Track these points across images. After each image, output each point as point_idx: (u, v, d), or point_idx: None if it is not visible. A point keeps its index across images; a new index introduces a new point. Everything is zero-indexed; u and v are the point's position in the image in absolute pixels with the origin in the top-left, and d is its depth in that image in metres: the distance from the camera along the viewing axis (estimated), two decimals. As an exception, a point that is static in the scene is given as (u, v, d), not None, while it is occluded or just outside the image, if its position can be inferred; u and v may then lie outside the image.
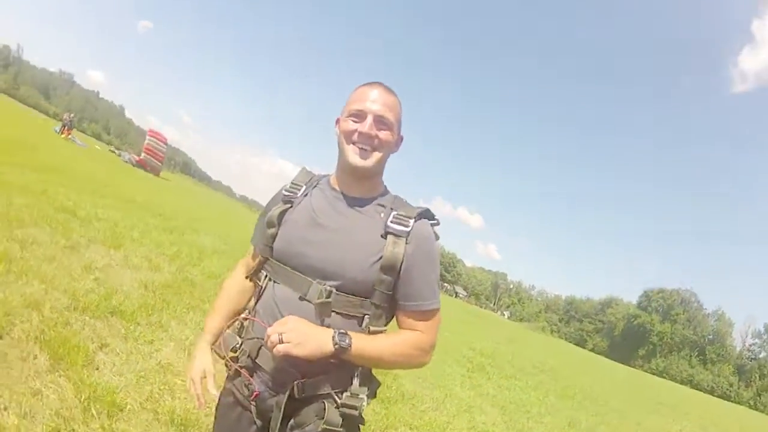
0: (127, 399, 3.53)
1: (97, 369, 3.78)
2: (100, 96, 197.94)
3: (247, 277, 1.98)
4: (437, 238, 1.88)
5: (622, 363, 66.91)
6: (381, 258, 1.71)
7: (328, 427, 1.68)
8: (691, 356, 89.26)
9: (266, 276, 1.87)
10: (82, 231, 7.39)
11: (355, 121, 1.80)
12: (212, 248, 11.53)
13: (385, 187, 1.96)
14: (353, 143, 1.80)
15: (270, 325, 1.66)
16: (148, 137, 41.08)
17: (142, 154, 39.16)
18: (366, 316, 1.74)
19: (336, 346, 1.61)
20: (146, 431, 3.33)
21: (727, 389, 78.39)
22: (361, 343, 1.66)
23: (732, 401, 61.94)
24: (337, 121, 1.91)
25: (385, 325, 1.80)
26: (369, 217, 1.81)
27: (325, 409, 1.70)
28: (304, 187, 1.95)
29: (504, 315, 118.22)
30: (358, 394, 1.73)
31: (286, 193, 1.94)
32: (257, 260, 1.93)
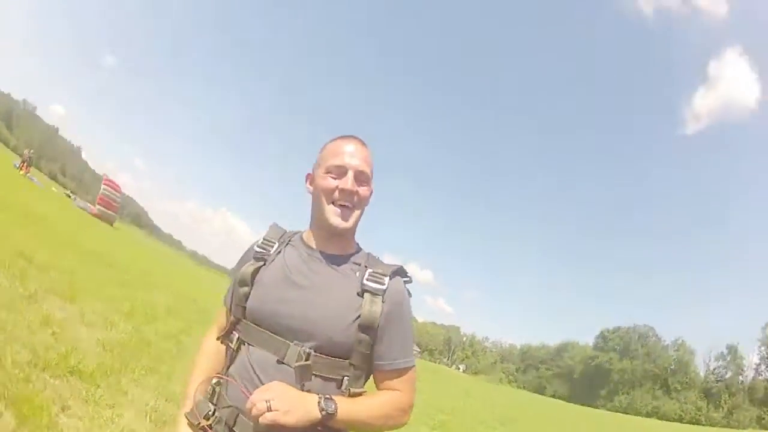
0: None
1: (60, 433, 3.65)
2: (60, 133, 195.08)
3: (218, 338, 1.87)
4: (410, 295, 1.83)
5: (585, 405, 66.19)
6: (359, 317, 1.65)
7: None
8: (653, 389, 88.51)
9: (238, 338, 1.76)
10: (40, 280, 7.22)
11: (334, 178, 1.74)
12: (165, 306, 11.35)
13: (358, 244, 1.91)
14: (333, 202, 1.74)
15: (250, 392, 1.57)
16: (103, 187, 40.50)
17: (97, 207, 38.64)
18: (345, 378, 1.66)
19: (323, 413, 1.52)
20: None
21: (695, 414, 77.74)
22: (346, 407, 1.58)
23: (703, 424, 61.84)
24: (308, 177, 1.87)
25: (363, 386, 1.72)
26: (344, 275, 1.75)
27: None
28: (277, 244, 1.87)
29: (459, 369, 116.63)
30: None
31: (258, 250, 1.85)
32: (229, 321, 1.83)
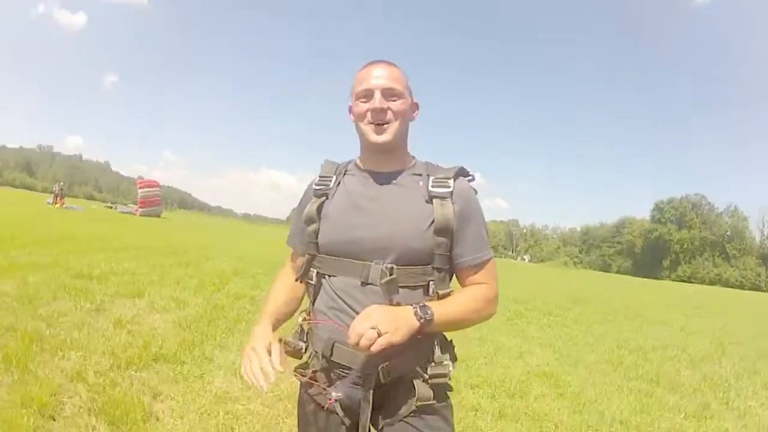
0: (196, 441, 3.40)
1: (158, 419, 3.64)
2: (84, 158, 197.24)
3: (296, 280, 1.87)
4: (476, 192, 1.82)
5: (650, 278, 66.51)
6: (433, 222, 1.66)
7: (422, 403, 1.64)
8: (713, 256, 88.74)
9: (317, 273, 1.78)
10: (103, 290, 7.25)
11: (365, 102, 1.74)
12: (231, 271, 11.44)
13: (413, 156, 1.89)
14: (369, 123, 1.73)
15: (342, 323, 1.61)
16: (139, 189, 41.22)
17: (139, 210, 39.24)
18: (431, 282, 1.67)
19: (422, 321, 1.53)
20: (222, 466, 3.20)
21: (755, 280, 78.11)
22: (441, 310, 1.59)
23: (763, 291, 61.25)
24: (350, 109, 1.83)
25: (449, 287, 1.73)
26: (408, 187, 1.76)
27: (414, 386, 1.65)
28: (334, 177, 1.87)
29: (524, 259, 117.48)
30: (442, 362, 1.69)
31: (317, 187, 1.87)
32: (303, 260, 1.84)
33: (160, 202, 43.32)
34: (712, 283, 73.81)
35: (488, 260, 1.77)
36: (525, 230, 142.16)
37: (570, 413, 4.93)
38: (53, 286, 6.85)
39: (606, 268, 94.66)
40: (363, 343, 1.43)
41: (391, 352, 1.53)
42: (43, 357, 4.35)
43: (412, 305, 1.56)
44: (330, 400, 1.64)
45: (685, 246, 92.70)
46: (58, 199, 34.95)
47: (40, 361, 4.25)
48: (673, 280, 73.35)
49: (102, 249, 11.57)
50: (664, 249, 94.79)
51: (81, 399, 3.69)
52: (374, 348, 1.43)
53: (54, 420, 3.37)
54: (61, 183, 39.50)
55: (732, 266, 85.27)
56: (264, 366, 1.55)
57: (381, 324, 1.45)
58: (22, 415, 3.25)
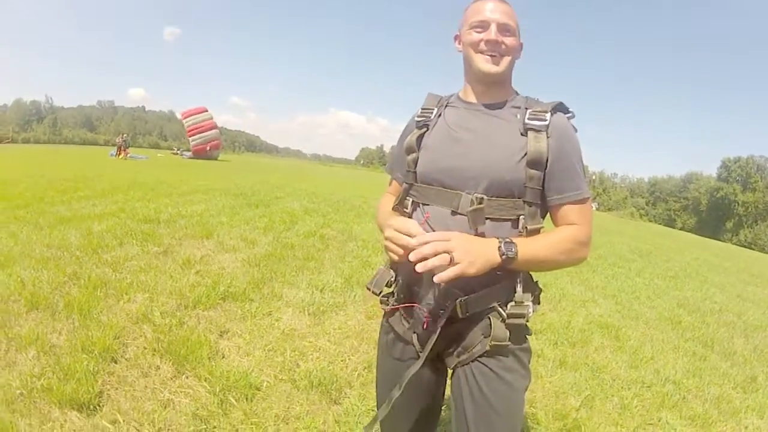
0: (261, 377, 3.44)
1: (224, 357, 3.68)
2: (147, 109, 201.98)
3: (393, 208, 1.95)
4: (576, 130, 1.79)
5: (712, 238, 63.87)
6: (526, 154, 1.67)
7: (496, 343, 1.65)
8: None
9: (413, 202, 1.86)
10: (170, 233, 7.35)
11: (479, 32, 1.77)
12: (302, 209, 11.46)
13: (515, 90, 1.89)
14: (481, 52, 1.77)
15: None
16: (183, 121, 41.44)
17: (191, 142, 39.60)
18: (521, 217, 1.69)
19: (503, 257, 1.55)
20: (288, 402, 3.22)
21: None
22: (527, 248, 1.60)
23: None
24: (456, 38, 1.89)
25: (541, 222, 1.72)
26: (505, 119, 1.77)
27: (491, 325, 1.67)
28: (436, 108, 1.92)
29: (593, 207, 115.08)
30: (522, 302, 1.69)
31: (419, 119, 1.93)
32: (401, 189, 1.93)
33: (213, 126, 42.78)
34: None
35: (583, 199, 1.75)
36: (594, 177, 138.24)
37: (627, 368, 4.95)
38: (119, 232, 6.97)
39: (671, 223, 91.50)
40: (432, 263, 1.47)
41: (465, 283, 1.59)
42: (107, 302, 4.43)
43: (498, 239, 1.58)
44: (425, 320, 1.71)
45: (749, 209, 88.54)
46: (122, 150, 35.67)
47: (104, 306, 4.33)
48: (734, 244, 69.51)
49: (168, 194, 11.78)
50: (728, 210, 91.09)
51: (146, 340, 3.76)
52: (443, 275, 1.47)
53: (116, 362, 3.43)
54: (125, 134, 40.24)
55: None
56: (412, 231, 1.61)
57: (457, 251, 1.49)
58: (81, 359, 3.30)
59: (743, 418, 4.32)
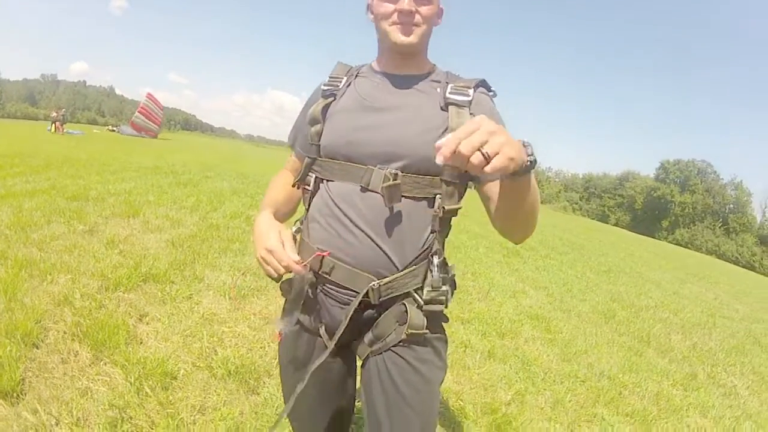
0: (178, 364, 3.24)
1: (141, 342, 3.46)
2: (88, 84, 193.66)
3: (293, 185, 1.69)
4: (495, 107, 1.58)
5: (647, 235, 65.80)
6: (447, 130, 1.45)
7: (413, 331, 1.45)
8: (715, 225, 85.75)
9: (315, 178, 1.60)
10: (98, 211, 7.00)
11: (391, 1, 1.50)
12: (230, 190, 11.23)
13: (434, 64, 1.67)
14: (393, 23, 1.52)
15: (334, 232, 1.48)
16: (145, 99, 41.09)
17: (135, 115, 39.13)
18: (438, 196, 1.47)
19: (530, 158, 1.12)
20: (205, 392, 3.02)
21: (750, 259, 75.26)
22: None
23: (756, 272, 58.91)
24: (369, 6, 1.61)
25: (458, 203, 1.49)
26: (424, 92, 1.56)
27: (406, 311, 1.47)
28: (345, 78, 1.67)
29: None
30: (440, 287, 1.48)
31: (326, 88, 1.66)
32: (302, 163, 1.64)
33: (158, 122, 43.34)
34: (708, 252, 72.37)
35: None
36: None
37: (559, 361, 4.84)
38: (48, 210, 6.57)
39: (604, 219, 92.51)
40: (473, 161, 1.00)
41: (382, 265, 1.43)
42: (32, 283, 4.12)
43: (519, 140, 1.13)
44: (278, 334, 1.55)
45: (686, 210, 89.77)
46: (58, 125, 34.02)
47: (29, 287, 4.02)
48: (670, 242, 72.39)
49: (99, 171, 11.25)
50: (665, 209, 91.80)
51: (66, 324, 3.49)
52: (497, 163, 1.00)
53: (37, 347, 3.17)
54: (62, 109, 38.44)
55: (730, 239, 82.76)
56: (283, 260, 1.41)
57: (493, 139, 1.01)
58: (4, 344, 3.05)
59: (685, 415, 4.24)
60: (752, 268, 63.89)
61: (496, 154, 1.01)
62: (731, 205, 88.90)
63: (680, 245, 70.69)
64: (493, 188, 1.47)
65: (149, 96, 42.52)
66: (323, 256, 1.47)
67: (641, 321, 7.45)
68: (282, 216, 1.69)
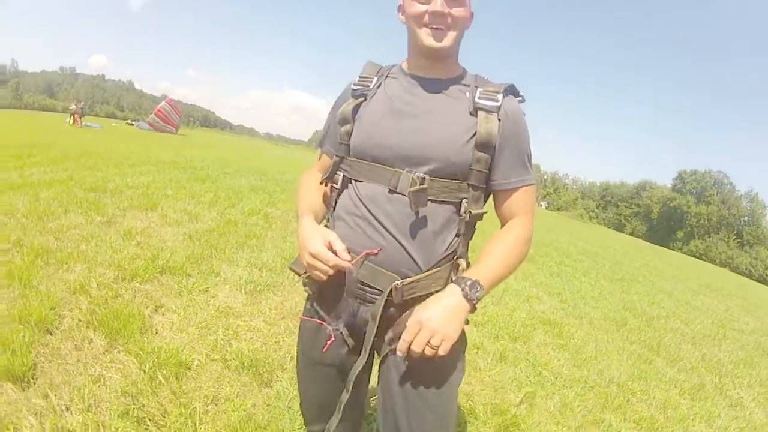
0: (192, 355, 3.27)
1: (156, 333, 3.49)
2: (107, 78, 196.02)
3: (321, 182, 1.75)
4: (524, 114, 1.62)
5: (661, 245, 65.12)
6: (475, 135, 1.50)
7: None
8: (729, 238, 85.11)
9: (344, 177, 1.64)
10: (116, 203, 7.04)
11: (423, 2, 1.52)
12: (248, 187, 11.26)
13: (464, 67, 1.70)
14: (425, 26, 1.53)
15: (362, 232, 1.53)
16: (164, 103, 41.55)
17: (152, 117, 39.47)
18: (464, 200, 1.53)
19: (474, 302, 1.41)
20: (218, 382, 3.05)
21: (764, 273, 74.21)
22: (488, 277, 1.46)
23: None
24: (400, 7, 1.64)
25: (483, 207, 1.59)
26: (453, 97, 1.59)
27: None
28: (375, 78, 1.70)
29: (541, 206, 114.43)
30: None
31: (356, 87, 1.70)
32: (332, 162, 1.70)
33: (175, 125, 43.41)
34: (722, 264, 71.57)
35: (528, 186, 1.61)
36: (546, 176, 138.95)
37: (569, 366, 4.86)
38: (65, 200, 6.63)
39: (620, 228, 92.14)
40: (428, 353, 1.39)
41: (404, 266, 1.50)
42: (47, 271, 4.17)
43: (459, 286, 1.41)
44: (330, 336, 1.58)
45: (702, 221, 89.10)
46: (77, 117, 34.35)
47: (44, 275, 4.06)
48: (684, 253, 71.56)
49: (118, 164, 11.33)
50: (680, 220, 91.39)
51: (81, 312, 3.53)
52: (441, 353, 1.39)
53: (51, 334, 3.20)
54: (81, 102, 38.68)
55: (744, 252, 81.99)
56: (330, 261, 1.47)
57: (438, 333, 1.38)
58: (18, 330, 3.08)
59: (691, 425, 4.25)
60: (765, 282, 62.62)
61: (442, 341, 1.37)
62: (746, 218, 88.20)
63: (695, 256, 69.82)
64: (504, 212, 1.64)
65: (169, 101, 43.03)
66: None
67: (652, 330, 7.46)
68: (321, 215, 1.72)
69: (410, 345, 1.39)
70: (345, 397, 1.56)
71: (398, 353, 1.42)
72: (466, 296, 1.39)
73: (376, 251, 1.49)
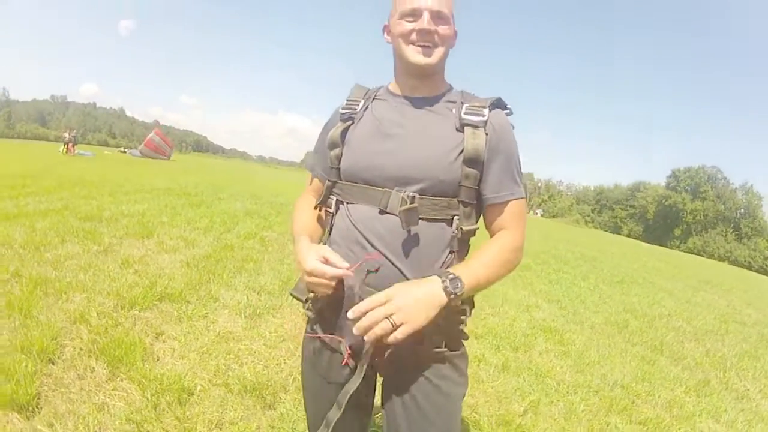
0: (194, 380, 3.31)
1: (158, 360, 3.54)
2: (98, 105, 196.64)
3: (315, 207, 1.75)
4: (513, 127, 1.64)
5: (660, 245, 65.48)
6: (462, 151, 1.52)
7: (433, 350, 1.51)
8: (726, 232, 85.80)
9: (336, 201, 1.66)
10: (112, 231, 7.11)
11: (410, 21, 1.56)
12: (243, 211, 11.33)
13: (449, 84, 1.73)
14: (412, 43, 1.57)
15: (355, 256, 1.50)
16: (153, 134, 42.06)
17: (142, 147, 40.16)
18: (455, 217, 1.53)
19: (451, 296, 1.37)
20: (222, 407, 3.08)
21: (763, 263, 75.35)
22: (471, 277, 1.43)
23: None
24: (385, 28, 1.69)
25: (476, 223, 1.59)
26: (440, 114, 1.61)
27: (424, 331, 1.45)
28: (362, 101, 1.73)
29: (537, 214, 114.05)
30: (458, 306, 1.50)
31: (344, 111, 1.72)
32: (324, 187, 1.71)
33: (167, 154, 44.17)
34: (721, 259, 72.20)
35: (518, 200, 1.61)
36: (540, 184, 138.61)
37: (573, 372, 4.88)
38: (61, 230, 6.70)
39: (616, 230, 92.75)
40: (375, 332, 1.31)
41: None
42: (47, 301, 4.22)
43: (441, 278, 1.38)
44: (347, 351, 1.53)
45: (698, 217, 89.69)
46: (70, 146, 34.57)
47: (44, 305, 4.12)
48: (682, 251, 71.64)
49: (113, 192, 11.42)
50: (677, 218, 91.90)
51: (82, 341, 3.58)
52: (391, 340, 1.31)
53: (53, 363, 3.25)
54: (73, 130, 38.93)
55: (742, 245, 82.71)
56: (327, 274, 1.44)
57: (399, 312, 1.31)
58: (20, 360, 3.13)
59: (698, 421, 4.26)
60: (765, 272, 63.05)
61: (403, 323, 1.30)
62: (742, 210, 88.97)
63: (693, 253, 69.99)
64: (494, 226, 1.63)
65: (157, 132, 43.95)
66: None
67: (654, 330, 7.48)
68: (317, 239, 1.72)
69: (366, 313, 1.33)
70: (336, 414, 1.54)
71: (349, 315, 1.36)
72: (445, 288, 1.36)
73: (374, 255, 1.50)
